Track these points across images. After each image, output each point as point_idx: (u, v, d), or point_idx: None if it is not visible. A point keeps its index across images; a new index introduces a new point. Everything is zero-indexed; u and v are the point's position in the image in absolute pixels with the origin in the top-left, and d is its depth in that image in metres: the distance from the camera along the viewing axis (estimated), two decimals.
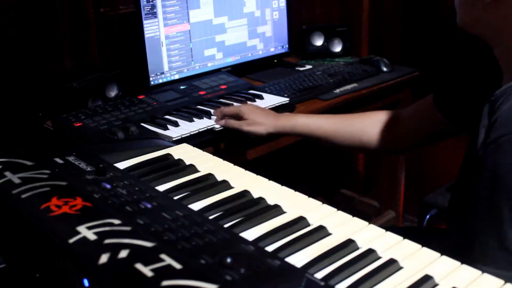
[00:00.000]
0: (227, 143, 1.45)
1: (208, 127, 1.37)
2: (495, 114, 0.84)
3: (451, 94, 1.13)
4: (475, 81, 1.05)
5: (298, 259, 0.64)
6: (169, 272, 0.56)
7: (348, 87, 1.76)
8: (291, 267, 0.61)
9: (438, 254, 0.65)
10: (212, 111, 1.44)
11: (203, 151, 0.96)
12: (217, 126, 1.37)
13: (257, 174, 0.86)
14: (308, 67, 1.99)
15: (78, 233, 0.63)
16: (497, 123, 0.80)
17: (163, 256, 0.59)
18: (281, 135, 1.34)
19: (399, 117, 1.26)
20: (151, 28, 1.64)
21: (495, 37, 0.89)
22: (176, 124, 1.38)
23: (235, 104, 1.50)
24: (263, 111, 1.35)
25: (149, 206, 0.72)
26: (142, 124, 1.38)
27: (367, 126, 1.27)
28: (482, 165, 0.82)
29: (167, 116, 1.43)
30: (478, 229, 0.82)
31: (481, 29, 0.90)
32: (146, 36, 1.63)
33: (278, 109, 1.52)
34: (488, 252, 0.79)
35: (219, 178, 0.85)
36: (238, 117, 1.33)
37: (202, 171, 0.88)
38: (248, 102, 1.52)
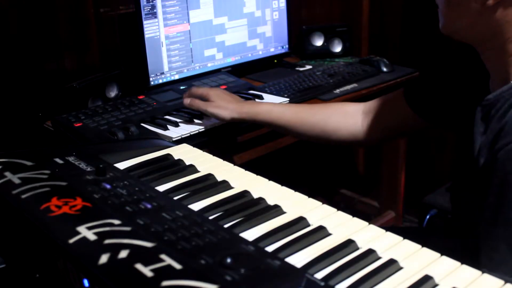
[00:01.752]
0: (227, 143, 1.45)
1: (208, 127, 1.37)
2: (493, 120, 0.84)
3: (423, 90, 1.12)
4: (458, 84, 1.04)
5: (298, 259, 0.64)
6: (169, 272, 0.56)
7: (348, 87, 1.76)
8: (291, 267, 0.61)
9: (438, 254, 0.65)
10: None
11: (203, 151, 0.96)
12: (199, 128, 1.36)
13: (257, 174, 0.86)
14: (308, 67, 1.99)
15: (78, 233, 0.63)
16: (505, 129, 0.80)
17: (163, 256, 0.59)
18: (245, 121, 1.32)
19: (366, 109, 1.23)
20: (151, 28, 1.64)
21: (487, 42, 0.88)
22: (176, 124, 1.38)
23: (206, 87, 1.48)
24: (230, 96, 1.34)
25: (149, 206, 0.72)
26: (142, 124, 1.38)
27: (332, 116, 1.24)
28: (489, 171, 0.81)
29: (167, 117, 1.43)
30: (486, 235, 0.82)
31: (472, 33, 0.88)
32: (146, 36, 1.63)
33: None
34: (497, 257, 0.79)
35: (219, 178, 0.85)
36: (205, 99, 1.32)
37: (202, 171, 0.88)
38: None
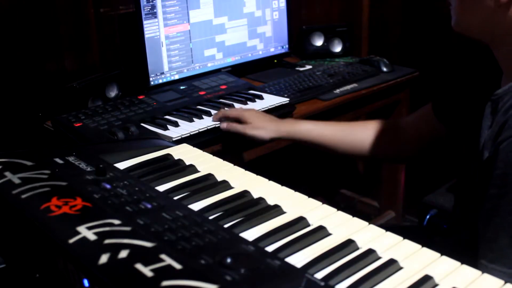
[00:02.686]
0: (227, 143, 1.45)
1: (208, 127, 1.37)
2: (499, 113, 0.84)
3: (449, 102, 1.13)
4: (472, 84, 1.04)
5: (298, 259, 0.64)
6: (169, 272, 0.56)
7: (348, 87, 1.76)
8: (291, 267, 0.61)
9: (438, 254, 0.65)
10: (212, 111, 1.44)
11: (203, 151, 0.96)
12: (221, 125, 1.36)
13: (257, 174, 0.86)
14: (308, 67, 1.99)
15: (78, 233, 0.63)
16: (509, 122, 0.80)
17: (163, 256, 0.59)
18: (284, 140, 1.34)
19: (400, 126, 1.26)
20: (151, 28, 1.64)
21: (500, 39, 0.88)
22: (176, 124, 1.38)
23: (235, 105, 1.50)
24: (266, 116, 1.35)
25: (149, 206, 0.72)
26: (142, 124, 1.38)
27: (369, 135, 1.27)
28: (491, 163, 0.82)
29: (167, 116, 1.43)
30: (486, 226, 0.82)
31: (485, 31, 0.88)
32: (146, 36, 1.63)
33: (278, 109, 1.53)
34: (496, 249, 0.79)
35: (219, 178, 0.85)
36: (241, 121, 1.33)
37: (202, 171, 0.88)
38: (248, 103, 1.52)
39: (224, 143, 1.43)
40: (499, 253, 0.79)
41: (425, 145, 1.23)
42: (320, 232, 0.69)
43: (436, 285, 0.60)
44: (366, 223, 0.72)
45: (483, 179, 0.84)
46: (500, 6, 0.83)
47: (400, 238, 0.68)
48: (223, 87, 1.65)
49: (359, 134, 1.28)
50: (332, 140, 1.28)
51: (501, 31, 0.86)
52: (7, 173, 0.79)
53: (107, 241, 0.62)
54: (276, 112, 1.51)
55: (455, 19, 0.91)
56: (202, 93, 1.60)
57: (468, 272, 0.61)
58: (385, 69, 1.90)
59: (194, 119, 1.41)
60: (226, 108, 1.43)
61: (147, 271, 0.56)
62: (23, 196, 0.73)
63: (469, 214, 0.97)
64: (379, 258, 0.65)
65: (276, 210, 0.75)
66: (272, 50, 1.99)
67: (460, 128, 1.10)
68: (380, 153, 1.27)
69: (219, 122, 1.37)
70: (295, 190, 0.81)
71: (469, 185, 1.01)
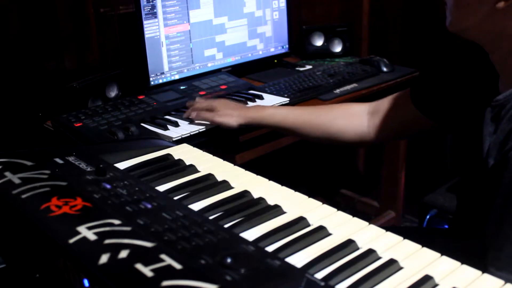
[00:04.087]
0: (227, 143, 1.45)
1: (208, 127, 1.37)
2: (503, 121, 0.84)
3: (430, 91, 1.11)
4: (464, 84, 1.03)
5: (298, 259, 0.64)
6: (169, 272, 0.56)
7: (348, 87, 1.76)
8: (291, 267, 0.61)
9: (438, 254, 0.65)
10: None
11: (203, 151, 0.96)
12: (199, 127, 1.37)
13: (257, 174, 0.86)
14: (308, 67, 1.99)
15: (78, 233, 0.63)
16: None
17: (163, 256, 0.59)
18: (252, 126, 1.34)
19: (372, 109, 1.23)
20: (151, 28, 1.64)
21: (496, 43, 0.87)
22: (176, 124, 1.38)
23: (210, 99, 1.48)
24: (234, 104, 1.38)
25: (149, 206, 0.72)
26: (142, 124, 1.38)
27: (336, 117, 1.25)
28: (498, 172, 0.81)
29: (167, 116, 1.43)
30: (493, 235, 0.82)
31: (481, 34, 0.87)
32: (146, 36, 1.63)
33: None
34: (504, 258, 0.79)
35: (219, 178, 0.85)
36: (211, 110, 1.34)
37: (202, 171, 0.88)
38: (248, 103, 1.52)
39: (224, 143, 1.44)
40: (506, 261, 0.79)
41: (397, 130, 1.21)
42: (320, 232, 0.69)
43: (436, 285, 0.60)
44: (366, 223, 0.72)
45: (489, 187, 0.83)
46: (496, 10, 0.82)
47: (400, 238, 0.68)
48: (223, 87, 1.65)
49: (326, 116, 1.26)
50: (297, 124, 1.27)
51: (496, 35, 0.85)
52: (7, 173, 0.79)
53: (107, 241, 0.62)
54: None
55: (450, 20, 0.90)
56: (202, 93, 1.60)
57: (468, 272, 0.61)
58: (385, 69, 1.90)
59: (195, 121, 1.41)
60: (196, 99, 1.45)
61: (147, 271, 0.56)
62: (23, 196, 0.73)
63: (473, 219, 0.97)
64: (379, 258, 0.65)
65: (276, 210, 0.75)
66: (272, 50, 1.99)
67: (453, 126, 1.09)
68: (348, 136, 1.24)
69: (189, 120, 1.38)
70: (295, 190, 0.81)
71: (473, 189, 1.00)
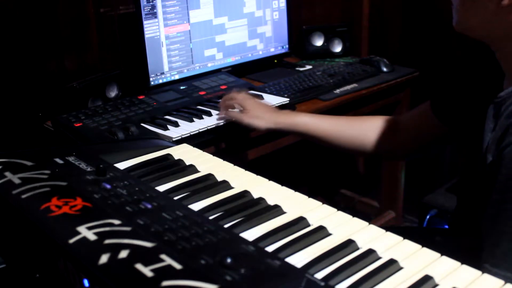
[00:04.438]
0: (227, 143, 1.45)
1: (209, 127, 1.37)
2: (502, 117, 0.84)
3: (448, 100, 1.13)
4: (473, 85, 1.04)
5: (298, 259, 0.64)
6: (169, 272, 0.56)
7: (348, 87, 1.76)
8: (291, 267, 0.61)
9: (438, 254, 0.65)
10: (212, 111, 1.44)
11: (203, 151, 0.96)
12: (220, 121, 1.38)
13: (257, 174, 0.86)
14: (308, 67, 1.99)
15: (78, 233, 0.63)
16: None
17: (163, 256, 0.59)
18: (281, 132, 1.34)
19: (398, 123, 1.26)
20: (151, 28, 1.64)
21: (502, 40, 0.87)
22: (176, 124, 1.38)
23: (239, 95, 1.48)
24: (266, 107, 1.36)
25: (149, 206, 0.72)
26: (142, 124, 1.38)
27: (368, 130, 1.27)
28: (495, 168, 0.81)
29: (167, 116, 1.43)
30: (489, 231, 0.82)
31: (487, 32, 0.88)
32: (146, 36, 1.63)
33: (278, 109, 1.52)
34: (499, 254, 0.79)
35: (219, 178, 0.85)
36: (241, 109, 1.33)
37: (202, 171, 0.88)
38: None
39: (224, 143, 1.43)
40: (502, 258, 0.79)
41: (423, 142, 1.23)
42: (320, 232, 0.69)
43: (436, 285, 0.60)
44: (366, 223, 0.72)
45: (487, 183, 0.83)
46: (501, 8, 0.83)
47: (400, 238, 0.68)
48: (223, 87, 1.65)
49: (357, 128, 1.28)
50: (329, 133, 1.28)
51: (502, 33, 0.86)
52: (7, 173, 0.79)
53: (107, 241, 0.62)
54: None
55: (456, 19, 0.91)
56: (202, 93, 1.60)
57: (468, 272, 0.61)
58: (385, 69, 1.90)
59: (194, 119, 1.41)
60: (233, 91, 1.42)
61: (147, 271, 0.56)
62: (23, 196, 0.73)
63: (472, 216, 0.97)
64: (379, 258, 0.65)
65: (276, 210, 0.75)
66: (272, 50, 1.99)
67: (462, 128, 1.10)
68: (377, 149, 1.27)
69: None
70: (295, 190, 0.81)
71: (472, 187, 1.01)
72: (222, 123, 1.39)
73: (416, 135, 1.22)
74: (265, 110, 1.33)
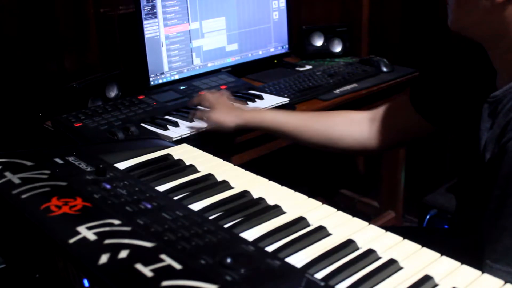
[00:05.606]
0: (227, 143, 1.45)
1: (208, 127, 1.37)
2: (500, 115, 0.84)
3: (429, 94, 1.11)
4: (464, 84, 1.03)
5: (298, 259, 0.64)
6: (169, 272, 0.56)
7: (348, 87, 1.76)
8: (291, 267, 0.61)
9: (438, 254, 0.65)
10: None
11: (203, 151, 0.96)
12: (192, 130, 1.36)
13: (257, 174, 0.86)
14: (308, 67, 1.99)
15: (78, 233, 0.63)
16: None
17: (163, 256, 0.59)
18: (249, 128, 1.32)
19: (372, 116, 1.22)
20: (151, 28, 1.64)
21: (495, 39, 0.88)
22: (176, 125, 1.38)
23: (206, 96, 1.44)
24: (231, 105, 1.35)
25: (149, 206, 0.72)
26: (142, 124, 1.38)
27: (337, 123, 1.24)
28: (495, 164, 0.82)
29: (167, 116, 1.43)
30: (490, 226, 0.82)
31: (481, 31, 0.89)
32: (146, 36, 1.63)
33: (277, 109, 1.53)
34: (500, 249, 0.79)
35: (219, 178, 0.85)
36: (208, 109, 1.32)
37: (202, 171, 0.88)
38: (248, 103, 1.52)
39: (224, 143, 1.43)
40: (503, 253, 0.79)
41: (397, 138, 1.20)
42: (320, 232, 0.69)
43: (436, 285, 0.60)
44: (366, 223, 0.72)
45: (487, 181, 0.84)
46: (496, 6, 0.83)
47: (400, 238, 0.68)
48: (223, 87, 1.65)
49: (327, 122, 1.24)
50: (297, 128, 1.25)
51: (496, 31, 0.86)
52: (7, 173, 0.79)
53: (107, 241, 0.62)
54: None
55: (451, 18, 0.91)
56: (202, 93, 1.60)
57: (468, 272, 0.61)
58: (385, 69, 1.90)
59: (194, 119, 1.41)
60: (205, 94, 1.42)
61: (147, 271, 0.56)
62: (23, 196, 0.73)
63: (471, 215, 0.97)
64: (379, 258, 0.65)
65: (276, 210, 0.75)
66: (272, 50, 1.99)
67: (452, 127, 1.09)
68: (349, 143, 1.23)
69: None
70: (295, 190, 0.81)
71: (471, 187, 1.01)
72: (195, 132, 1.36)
73: (390, 128, 1.19)
74: (232, 107, 1.33)
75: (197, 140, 1.33)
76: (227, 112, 1.29)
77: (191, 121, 1.38)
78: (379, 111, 1.22)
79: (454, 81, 1.06)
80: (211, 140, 1.36)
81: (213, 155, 0.94)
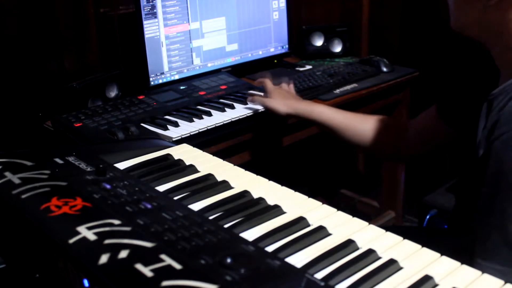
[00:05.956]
0: (227, 144, 1.45)
1: (208, 127, 1.38)
2: (493, 112, 0.85)
3: (452, 103, 1.13)
4: (474, 86, 1.05)
5: (298, 259, 0.64)
6: (169, 272, 0.56)
7: (348, 87, 1.76)
8: (291, 267, 0.61)
9: (438, 254, 0.65)
10: (212, 111, 1.46)
11: (203, 151, 0.96)
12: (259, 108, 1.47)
13: (257, 174, 0.86)
14: (308, 67, 1.99)
15: (78, 233, 0.63)
16: (500, 120, 0.81)
17: (163, 256, 0.59)
18: (299, 118, 1.40)
19: (407, 126, 1.28)
20: (151, 28, 1.64)
21: (493, 39, 0.89)
22: (176, 124, 1.38)
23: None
24: (288, 93, 1.45)
25: (149, 206, 0.72)
26: (142, 124, 1.38)
27: (378, 129, 1.29)
28: (484, 162, 0.82)
29: (167, 116, 1.43)
30: (480, 224, 0.82)
31: (478, 31, 0.90)
32: (146, 36, 1.63)
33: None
34: (490, 247, 0.80)
35: (219, 178, 0.85)
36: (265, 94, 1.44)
37: (202, 171, 0.88)
38: (248, 103, 1.52)
39: (224, 143, 1.44)
40: (492, 251, 0.79)
41: (430, 146, 1.25)
42: (320, 232, 0.69)
43: (436, 285, 0.60)
44: (366, 223, 0.72)
45: (478, 178, 0.84)
46: (489, 7, 0.85)
47: (400, 238, 0.68)
48: (223, 87, 1.65)
49: (369, 126, 1.30)
50: (340, 125, 1.32)
51: (492, 31, 0.88)
52: (7, 173, 0.79)
53: (107, 241, 0.62)
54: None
55: (451, 19, 0.93)
56: (202, 93, 1.60)
57: (468, 272, 0.61)
58: (385, 69, 1.90)
59: (194, 119, 1.41)
60: (263, 78, 1.52)
61: (147, 271, 0.56)
62: (23, 196, 0.73)
63: (469, 215, 0.97)
64: (379, 258, 0.65)
65: (276, 210, 0.75)
66: (272, 50, 1.99)
67: (464, 129, 1.10)
68: (386, 148, 1.31)
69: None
70: (295, 190, 0.81)
71: (468, 186, 1.01)
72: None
73: (423, 138, 1.23)
74: (287, 96, 1.43)
75: (198, 139, 1.34)
76: (281, 101, 1.39)
77: (250, 102, 1.49)
78: (413, 122, 1.28)
79: (466, 83, 1.08)
80: (266, 120, 1.49)
81: (213, 155, 0.94)
